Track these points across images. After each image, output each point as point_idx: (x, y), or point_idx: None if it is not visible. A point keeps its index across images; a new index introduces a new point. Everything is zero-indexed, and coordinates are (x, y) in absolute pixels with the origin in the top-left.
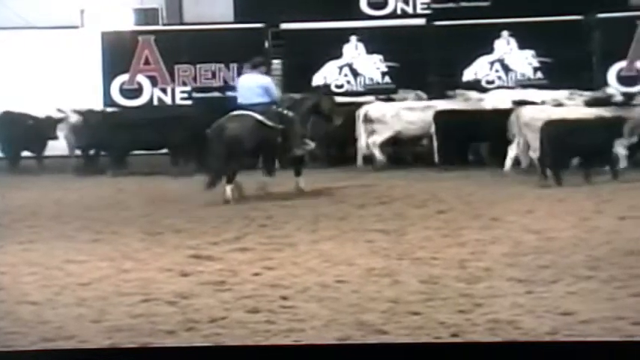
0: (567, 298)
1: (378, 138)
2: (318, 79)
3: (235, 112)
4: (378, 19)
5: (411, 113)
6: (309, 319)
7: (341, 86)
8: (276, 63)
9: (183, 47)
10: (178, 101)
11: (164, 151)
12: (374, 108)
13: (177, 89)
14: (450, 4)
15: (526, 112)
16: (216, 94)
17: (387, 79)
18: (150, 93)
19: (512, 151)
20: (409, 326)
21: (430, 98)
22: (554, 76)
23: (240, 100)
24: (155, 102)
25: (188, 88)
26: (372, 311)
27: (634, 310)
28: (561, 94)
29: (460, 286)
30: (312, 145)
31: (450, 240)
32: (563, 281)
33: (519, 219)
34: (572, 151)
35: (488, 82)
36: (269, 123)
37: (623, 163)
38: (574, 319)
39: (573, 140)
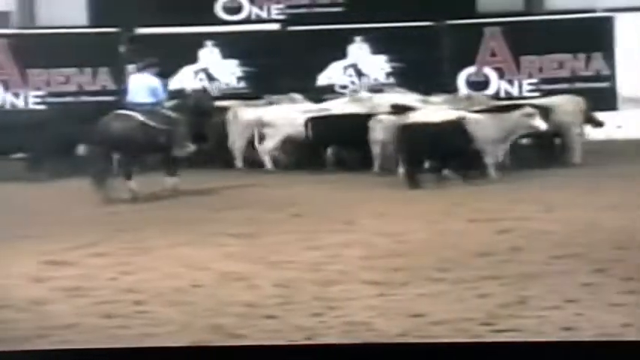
0: (418, 300)
1: (270, 143)
2: (173, 84)
3: (119, 111)
4: (233, 24)
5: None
6: (164, 324)
7: None
8: (132, 68)
9: (36, 51)
10: (32, 106)
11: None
12: (269, 112)
13: (31, 93)
14: (304, 10)
15: (414, 116)
16: (70, 98)
17: (242, 83)
18: (2, 97)
19: None
20: (264, 330)
21: (318, 101)
22: (405, 80)
23: (128, 99)
24: (8, 106)
25: (42, 93)
26: (227, 315)
27: (482, 311)
28: (413, 98)
29: (315, 289)
30: (192, 147)
31: (305, 243)
32: (415, 283)
33: (373, 222)
34: (427, 153)
35: (342, 87)
36: (151, 123)
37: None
38: (424, 321)
39: (427, 143)
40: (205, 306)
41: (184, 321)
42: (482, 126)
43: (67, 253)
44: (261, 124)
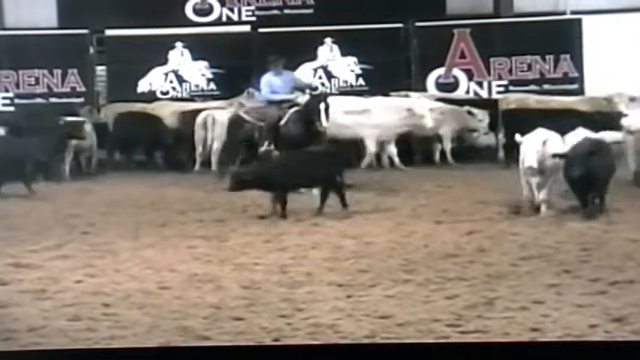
0: (385, 302)
1: None
2: (143, 86)
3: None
4: (204, 26)
5: None
6: (131, 326)
7: (166, 92)
8: (101, 69)
9: (5, 52)
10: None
11: None
12: None
13: None
14: (275, 12)
15: None
16: (39, 100)
17: (212, 85)
18: None
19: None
20: (231, 331)
21: None
22: (375, 82)
23: None
24: None
25: (10, 95)
26: (194, 317)
27: (449, 312)
28: None
29: (281, 290)
30: (270, 146)
31: (271, 245)
32: (381, 285)
33: (335, 224)
34: None
35: (312, 89)
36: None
37: None
38: (391, 322)
39: None
40: (172, 308)
41: (151, 323)
42: None
43: (31, 255)
44: None
